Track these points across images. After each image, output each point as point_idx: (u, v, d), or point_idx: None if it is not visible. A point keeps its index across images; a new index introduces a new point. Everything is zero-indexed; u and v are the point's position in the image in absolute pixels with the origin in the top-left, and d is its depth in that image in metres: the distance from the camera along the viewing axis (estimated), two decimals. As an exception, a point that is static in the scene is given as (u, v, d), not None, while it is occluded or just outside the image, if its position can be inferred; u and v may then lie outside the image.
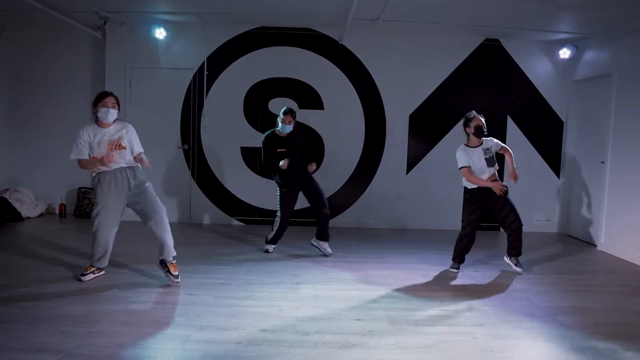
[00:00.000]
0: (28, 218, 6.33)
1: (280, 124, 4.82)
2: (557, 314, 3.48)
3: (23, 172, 6.66)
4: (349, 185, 6.55)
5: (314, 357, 2.71)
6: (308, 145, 5.11)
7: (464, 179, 4.43)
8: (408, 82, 6.45)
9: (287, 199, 4.91)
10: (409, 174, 6.56)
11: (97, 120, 3.80)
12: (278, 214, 4.95)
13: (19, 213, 6.18)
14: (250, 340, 2.90)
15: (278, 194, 4.93)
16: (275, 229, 4.96)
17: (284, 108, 4.87)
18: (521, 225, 4.47)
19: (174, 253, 3.93)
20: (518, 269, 4.52)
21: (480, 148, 4.38)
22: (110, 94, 3.84)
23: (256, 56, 6.37)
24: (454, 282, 4.25)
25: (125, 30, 6.24)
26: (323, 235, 4.99)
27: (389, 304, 3.63)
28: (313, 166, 4.93)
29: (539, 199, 6.52)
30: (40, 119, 6.58)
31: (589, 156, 6.10)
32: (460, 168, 4.39)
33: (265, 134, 4.94)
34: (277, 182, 4.92)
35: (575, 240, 6.17)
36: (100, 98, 3.79)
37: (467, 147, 4.42)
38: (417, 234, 6.25)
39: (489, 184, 4.32)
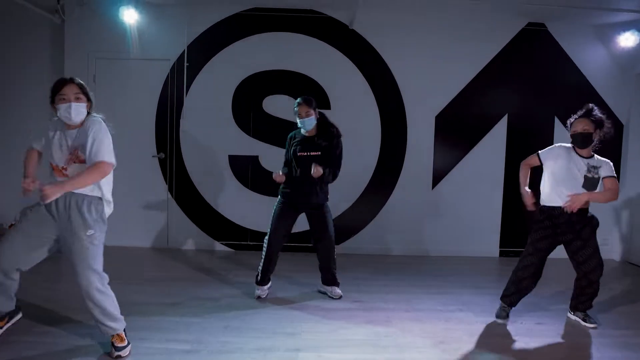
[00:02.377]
0: (-32, 243, 5.16)
1: (297, 119, 3.71)
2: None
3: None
4: (361, 202, 5.35)
5: None
6: (334, 154, 3.78)
7: (542, 193, 3.38)
8: (434, 76, 5.27)
9: (282, 215, 3.72)
10: (435, 188, 5.36)
11: None
12: (266, 237, 3.75)
13: (-45, 237, 5.02)
14: None
15: (275, 204, 3.78)
16: (262, 260, 3.75)
17: (299, 98, 3.71)
18: (601, 275, 3.28)
19: (113, 332, 2.67)
20: (590, 325, 3.35)
21: (587, 161, 3.25)
22: (70, 81, 2.66)
23: (248, 44, 5.23)
24: (515, 344, 3.03)
25: (88, 13, 5.11)
26: (328, 280, 3.83)
27: (432, 390, 2.42)
28: (319, 170, 3.56)
29: (594, 219, 5.31)
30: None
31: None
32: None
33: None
34: (280, 190, 3.79)
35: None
36: (56, 89, 2.62)
37: (572, 150, 3.29)
38: (447, 263, 5.03)
39: (523, 190, 3.40)
